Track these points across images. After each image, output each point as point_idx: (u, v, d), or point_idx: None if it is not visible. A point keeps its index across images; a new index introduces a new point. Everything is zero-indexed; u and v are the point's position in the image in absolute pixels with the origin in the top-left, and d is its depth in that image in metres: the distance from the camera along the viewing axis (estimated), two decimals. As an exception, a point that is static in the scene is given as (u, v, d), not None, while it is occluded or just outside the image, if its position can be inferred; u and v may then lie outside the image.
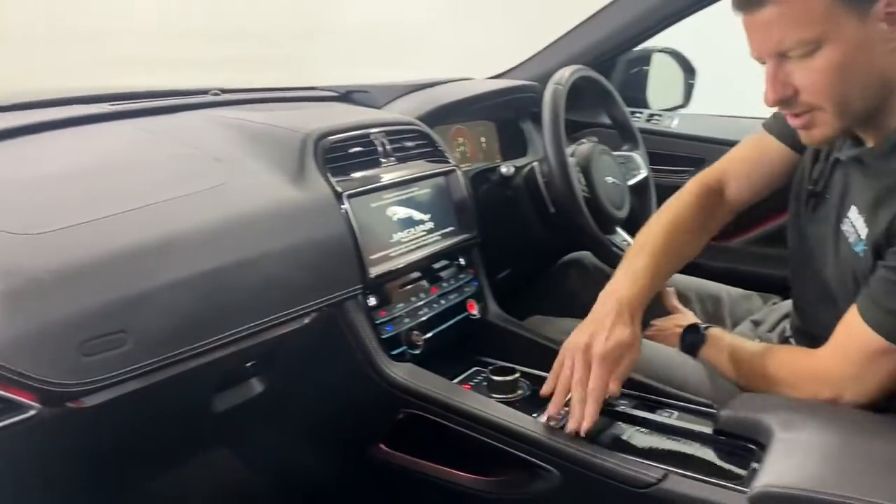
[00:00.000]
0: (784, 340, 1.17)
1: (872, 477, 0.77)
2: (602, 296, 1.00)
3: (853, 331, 0.90)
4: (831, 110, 0.86)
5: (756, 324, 1.30)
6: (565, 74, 1.31)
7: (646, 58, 1.91)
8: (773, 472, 0.82)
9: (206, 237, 0.85)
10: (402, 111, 1.37)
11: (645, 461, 0.89)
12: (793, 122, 0.91)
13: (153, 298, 0.77)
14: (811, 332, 1.04)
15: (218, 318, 0.83)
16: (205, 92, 1.34)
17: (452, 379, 1.15)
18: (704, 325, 1.14)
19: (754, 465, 0.87)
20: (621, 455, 0.89)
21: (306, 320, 0.94)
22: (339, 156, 1.07)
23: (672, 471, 0.87)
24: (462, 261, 1.27)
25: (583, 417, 0.90)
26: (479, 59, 1.97)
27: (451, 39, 2.62)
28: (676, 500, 0.84)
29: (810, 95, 0.85)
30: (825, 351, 0.94)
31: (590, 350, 0.93)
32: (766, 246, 1.66)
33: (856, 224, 0.92)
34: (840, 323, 0.93)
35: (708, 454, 0.92)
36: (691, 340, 1.12)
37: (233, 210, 0.90)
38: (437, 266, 1.21)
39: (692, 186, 1.16)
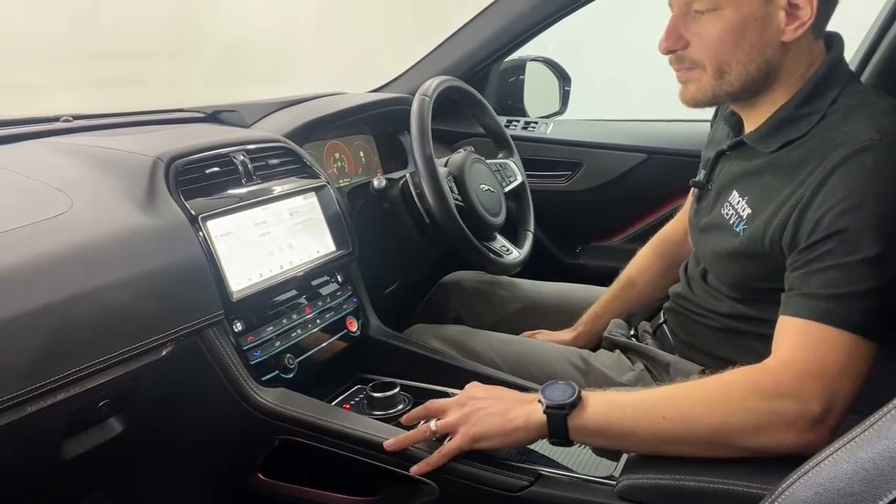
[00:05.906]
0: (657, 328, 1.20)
1: (731, 462, 0.79)
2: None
3: (808, 341, 0.79)
4: (710, 72, 0.92)
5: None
6: (432, 85, 1.31)
7: (520, 67, 1.94)
8: (638, 462, 0.83)
9: (40, 270, 0.79)
10: (270, 129, 1.33)
11: (520, 465, 0.89)
12: (677, 75, 0.97)
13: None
14: (686, 310, 1.10)
15: (57, 356, 0.77)
16: (55, 119, 1.26)
17: (333, 399, 1.13)
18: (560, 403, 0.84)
19: (625, 457, 0.88)
20: (497, 462, 0.89)
21: (163, 352, 0.89)
22: (195, 177, 1.03)
23: (544, 472, 0.87)
24: (339, 277, 1.24)
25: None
26: (361, 74, 1.96)
27: (338, 52, 2.60)
28: (549, 501, 0.85)
29: (696, 51, 0.92)
30: (780, 365, 0.80)
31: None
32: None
33: (737, 207, 0.96)
34: (781, 341, 0.82)
35: (580, 452, 0.92)
36: (555, 423, 0.84)
37: (72, 240, 0.84)
38: (314, 284, 1.18)
39: (652, 241, 1.35)
